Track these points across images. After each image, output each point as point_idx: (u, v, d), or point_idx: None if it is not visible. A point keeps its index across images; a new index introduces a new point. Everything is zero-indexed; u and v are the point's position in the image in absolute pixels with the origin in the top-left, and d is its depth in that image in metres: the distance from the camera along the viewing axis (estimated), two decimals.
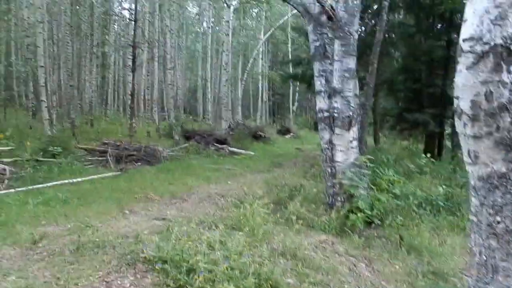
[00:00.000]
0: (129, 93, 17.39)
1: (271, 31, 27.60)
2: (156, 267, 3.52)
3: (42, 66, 13.03)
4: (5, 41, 25.06)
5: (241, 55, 32.03)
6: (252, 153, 12.92)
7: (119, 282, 3.42)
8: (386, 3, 9.00)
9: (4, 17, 25.93)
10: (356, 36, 5.44)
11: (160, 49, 22.75)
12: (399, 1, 11.43)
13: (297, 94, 32.34)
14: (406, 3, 11.70)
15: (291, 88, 30.57)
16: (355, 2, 5.34)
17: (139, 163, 9.79)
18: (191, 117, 24.42)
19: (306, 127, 30.30)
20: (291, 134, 23.26)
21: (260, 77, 29.57)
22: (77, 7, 22.44)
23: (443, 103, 12.19)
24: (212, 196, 6.85)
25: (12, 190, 6.52)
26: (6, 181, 6.95)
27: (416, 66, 12.52)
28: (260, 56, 28.93)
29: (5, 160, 8.19)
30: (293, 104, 31.37)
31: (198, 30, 39.83)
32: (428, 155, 7.90)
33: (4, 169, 7.24)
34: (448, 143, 14.13)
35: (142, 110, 22.91)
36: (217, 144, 13.04)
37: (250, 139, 15.98)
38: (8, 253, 3.91)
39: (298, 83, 25.15)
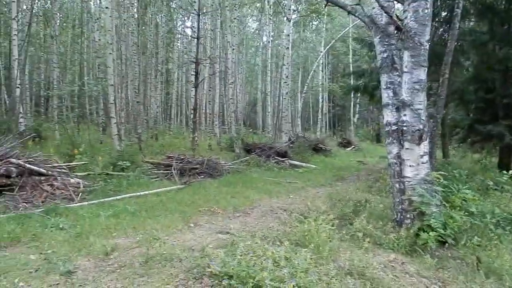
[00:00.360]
0: (192, 107, 17.97)
1: (331, 43, 27.37)
2: (223, 282, 3.52)
3: (111, 85, 13.79)
4: (79, 62, 26.98)
5: (301, 67, 32.04)
6: (313, 166, 12.75)
7: None
8: (458, 11, 8.53)
9: (78, 40, 28.01)
10: (427, 47, 5.17)
11: (221, 65, 23.33)
12: (471, 7, 10.83)
13: (358, 105, 31.68)
14: (478, 10, 11.06)
15: (352, 99, 30.01)
16: (426, 11, 5.10)
17: (202, 176, 10.00)
18: (251, 130, 24.65)
19: (367, 139, 29.57)
20: (352, 146, 22.75)
21: (320, 89, 29.32)
22: (143, 27, 23.70)
23: None
24: (274, 210, 6.80)
25: (85, 203, 6.87)
26: (80, 194, 7.35)
27: (489, 75, 11.75)
28: (320, 68, 28.74)
29: (79, 174, 8.73)
30: (353, 116, 30.74)
31: (258, 44, 40.53)
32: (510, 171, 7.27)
33: (79, 183, 7.69)
34: None
35: (203, 124, 23.54)
36: (277, 157, 13.02)
37: (311, 152, 15.80)
38: (83, 264, 4.09)
39: (359, 95, 24.63)
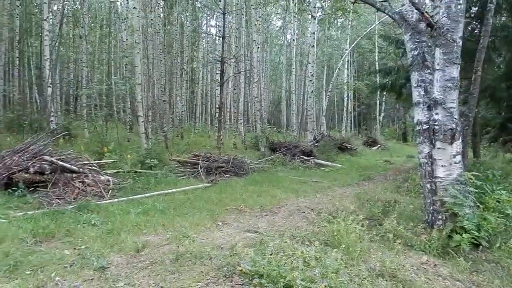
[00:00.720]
0: (217, 106, 18.10)
1: (357, 40, 27.04)
2: (254, 281, 3.53)
3: (139, 84, 14.01)
4: (106, 62, 27.53)
5: (326, 65, 31.77)
6: (339, 165, 12.62)
7: None
8: (492, 6, 8.24)
9: (105, 40, 28.59)
10: (460, 43, 5.04)
11: (246, 63, 23.39)
12: (503, 2, 10.46)
13: (383, 104, 31.20)
14: (511, 4, 10.69)
15: (377, 98, 29.57)
16: (459, 7, 4.96)
17: (228, 175, 10.05)
18: (275, 128, 24.64)
19: (393, 138, 29.13)
20: (378, 145, 22.42)
21: (345, 88, 29.01)
22: (169, 27, 23.98)
23: None
24: (301, 210, 6.78)
25: (115, 200, 7.02)
26: (110, 191, 7.51)
27: None
28: (345, 66, 28.42)
29: (108, 171, 8.92)
30: (379, 115, 30.29)
31: (282, 42, 40.43)
32: None
33: (108, 180, 7.85)
34: None
35: (228, 122, 23.67)
36: (303, 156, 12.96)
37: (336, 151, 15.66)
38: (115, 260, 4.18)
39: (385, 93, 24.27)
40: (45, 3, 15.69)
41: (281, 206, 7.06)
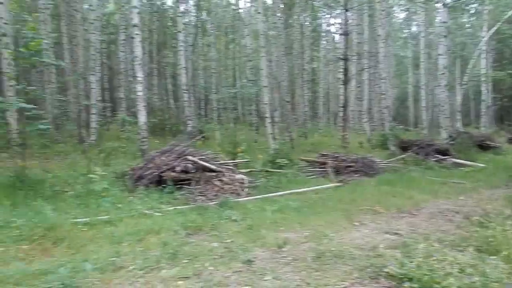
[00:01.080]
0: (340, 105, 17.82)
1: (496, 26, 24.16)
2: (404, 285, 3.37)
3: (265, 86, 14.51)
4: (232, 67, 29.16)
5: (458, 57, 29.08)
6: (481, 165, 11.39)
7: None
8: None
9: (229, 46, 30.30)
10: None
11: (370, 59, 22.63)
12: None
13: None
14: None
15: None
16: None
17: (358, 175, 9.79)
18: (401, 126, 23.38)
19: None
20: None
21: (483, 79, 26.10)
22: (289, 28, 24.38)
23: None
24: (444, 212, 6.28)
25: (251, 198, 7.35)
26: (246, 189, 7.89)
27: None
28: (483, 55, 25.56)
29: (242, 170, 9.39)
30: None
31: (406, 35, 38.18)
32: None
33: (243, 179, 8.25)
34: None
35: (352, 121, 23.15)
36: (438, 155, 12.01)
37: (476, 149, 14.18)
38: (259, 255, 4.36)
39: None
40: (180, 16, 17.25)
41: (420, 208, 6.63)
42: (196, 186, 7.67)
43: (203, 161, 8.12)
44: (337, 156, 10.40)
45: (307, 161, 10.74)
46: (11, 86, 10.82)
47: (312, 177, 9.62)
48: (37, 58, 8.28)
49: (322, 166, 10.11)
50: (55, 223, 5.10)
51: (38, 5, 16.63)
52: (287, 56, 22.42)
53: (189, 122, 15.63)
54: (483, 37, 24.87)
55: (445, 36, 16.04)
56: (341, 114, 17.73)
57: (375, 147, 15.32)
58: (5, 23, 11.24)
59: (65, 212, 5.95)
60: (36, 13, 16.08)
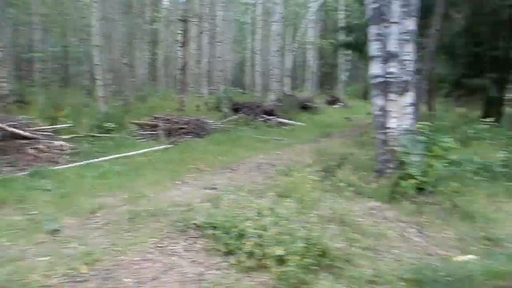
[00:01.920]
0: (179, 68, 17.66)
1: None
2: (207, 232, 3.60)
3: (97, 46, 13.44)
4: (61, 24, 26.12)
5: (290, 24, 31.26)
6: (301, 123, 12.78)
7: (171, 247, 3.54)
8: None
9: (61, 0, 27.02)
10: None
11: (210, 23, 22.77)
12: None
13: (349, 63, 31.27)
14: None
15: (342, 58, 29.59)
16: None
17: (190, 136, 9.98)
18: (240, 90, 24.46)
19: (355, 97, 29.48)
20: (340, 104, 22.77)
21: (309, 47, 28.77)
22: None
23: (506, 67, 11.42)
24: (261, 166, 6.86)
25: (71, 165, 6.82)
26: (65, 156, 7.32)
27: (479, 28, 11.61)
28: (311, 25, 28.02)
29: (64, 137, 8.67)
30: (343, 74, 30.43)
31: (246, 1, 39.39)
32: (489, 119, 7.38)
33: (62, 145, 7.64)
34: (509, 109, 13.27)
35: (191, 85, 23.22)
36: (265, 116, 13.00)
37: (299, 110, 15.79)
38: (69, 223, 4.13)
39: (350, 52, 24.36)
40: None
41: (241, 164, 7.11)
42: (5, 156, 6.80)
43: (13, 127, 7.21)
44: (169, 119, 10.38)
45: (138, 124, 10.46)
46: None
47: (142, 140, 9.43)
48: None
49: (154, 129, 9.99)
50: None
51: None
52: (126, 15, 21.02)
53: (4, 84, 13.59)
54: (311, 8, 27.15)
55: (276, 4, 17.03)
56: (179, 77, 17.62)
57: (210, 110, 15.74)
58: None
59: None
60: None
